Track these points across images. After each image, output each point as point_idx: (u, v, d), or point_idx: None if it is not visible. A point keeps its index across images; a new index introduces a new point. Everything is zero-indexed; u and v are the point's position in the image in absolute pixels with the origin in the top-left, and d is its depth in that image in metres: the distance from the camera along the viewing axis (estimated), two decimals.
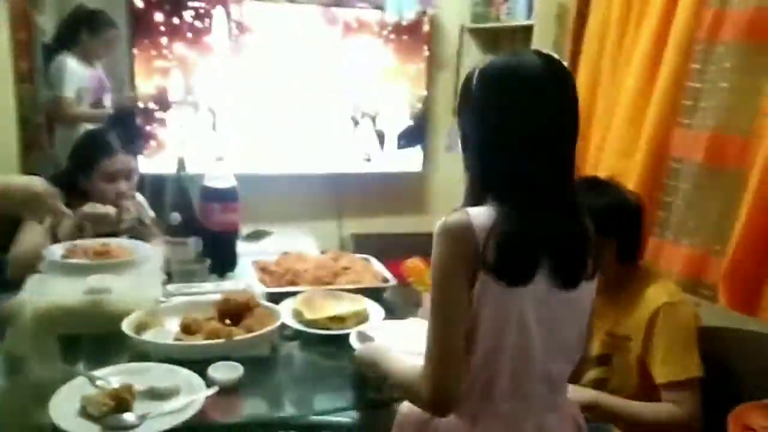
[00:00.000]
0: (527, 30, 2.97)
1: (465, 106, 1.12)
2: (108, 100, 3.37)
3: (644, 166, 2.30)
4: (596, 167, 2.52)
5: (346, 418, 1.31)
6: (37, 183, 1.46)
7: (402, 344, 1.31)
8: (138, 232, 2.22)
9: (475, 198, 1.10)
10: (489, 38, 3.44)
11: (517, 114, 1.05)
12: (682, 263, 2.17)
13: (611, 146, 2.47)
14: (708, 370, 1.49)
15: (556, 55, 1.11)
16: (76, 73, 3.12)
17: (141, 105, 3.06)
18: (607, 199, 1.55)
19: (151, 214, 2.28)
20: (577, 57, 2.75)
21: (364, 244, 3.09)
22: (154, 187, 3.05)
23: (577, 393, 1.37)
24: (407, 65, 3.35)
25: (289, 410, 1.32)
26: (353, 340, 1.47)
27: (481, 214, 1.04)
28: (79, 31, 3.12)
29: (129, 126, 2.69)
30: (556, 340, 1.10)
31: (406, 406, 1.18)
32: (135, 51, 3.01)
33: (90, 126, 3.10)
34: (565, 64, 2.68)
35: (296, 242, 3.01)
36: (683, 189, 2.19)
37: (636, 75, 2.37)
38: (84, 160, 2.05)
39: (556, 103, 1.06)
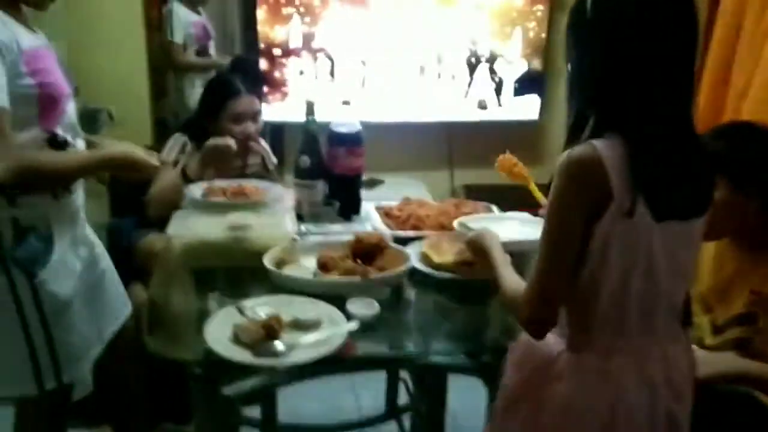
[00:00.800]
0: None
1: (578, 32, 1.09)
2: (212, 49, 3.46)
3: None
4: (737, 114, 2.35)
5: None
6: (134, 150, 1.51)
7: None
8: (262, 176, 2.31)
9: (590, 131, 1.06)
10: None
11: (639, 36, 1.01)
12: None
13: (755, 93, 2.28)
14: None
15: None
16: (182, 19, 3.22)
17: (262, 50, 3.12)
18: (753, 147, 1.44)
19: (274, 160, 2.36)
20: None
21: (476, 195, 3.05)
22: (275, 133, 3.16)
23: (722, 363, 1.33)
24: (527, 7, 3.21)
25: (411, 350, 1.37)
26: (456, 226, 1.64)
27: (609, 148, 1.01)
28: None
29: (251, 70, 2.76)
30: (677, 270, 1.10)
31: (523, 342, 1.19)
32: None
33: (199, 75, 3.22)
34: (705, 3, 2.50)
35: (408, 191, 3.02)
36: None
37: None
38: (212, 103, 2.14)
39: (677, 26, 1.02)
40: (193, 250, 1.55)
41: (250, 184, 1.85)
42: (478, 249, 1.36)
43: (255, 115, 2.17)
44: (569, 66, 1.12)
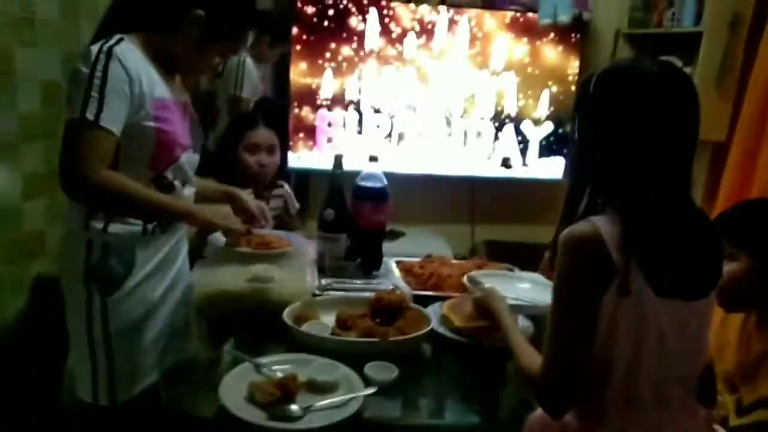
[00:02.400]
0: (692, 36, 2.79)
1: (582, 112, 1.13)
2: None
3: None
4: (765, 190, 2.32)
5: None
6: (218, 219, 1.62)
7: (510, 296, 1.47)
8: (284, 221, 2.33)
9: (586, 205, 1.09)
10: (647, 44, 3.26)
11: (638, 119, 1.04)
12: None
13: None
14: None
15: (675, 63, 1.07)
16: (253, 76, 3.20)
17: (293, 102, 3.17)
18: None
19: (297, 205, 2.38)
20: (750, 67, 2.54)
21: (496, 251, 3.04)
22: (301, 180, 3.19)
23: None
24: (558, 70, 3.24)
25: (425, 416, 1.34)
26: (465, 281, 1.65)
27: (607, 224, 1.03)
28: (261, 37, 3.20)
29: (273, 109, 2.81)
30: (688, 346, 1.11)
31: (539, 416, 1.17)
32: (291, 50, 3.12)
33: None
34: (736, 74, 2.51)
35: (429, 244, 3.02)
36: None
37: None
38: (231, 134, 2.23)
39: (675, 109, 1.05)
40: (213, 300, 1.55)
41: (274, 235, 1.86)
42: (484, 309, 1.41)
43: (270, 148, 2.24)
44: (572, 141, 1.17)
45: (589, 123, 1.12)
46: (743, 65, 2.59)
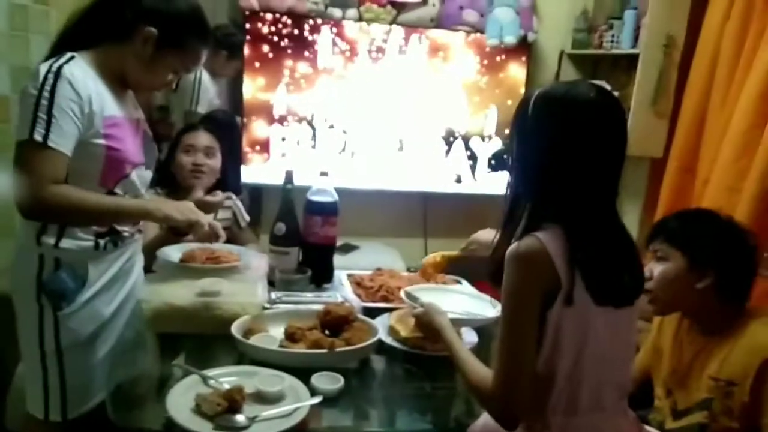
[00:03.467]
0: (630, 58, 2.92)
1: (520, 133, 1.18)
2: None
3: (754, 201, 2.21)
4: (701, 201, 2.44)
5: None
6: (172, 211, 1.57)
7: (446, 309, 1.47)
8: (233, 233, 2.34)
9: (526, 220, 1.14)
10: (589, 65, 3.41)
11: (573, 141, 1.10)
12: None
13: (718, 180, 2.38)
14: None
15: (607, 86, 1.21)
16: (210, 92, 3.18)
17: (244, 117, 3.19)
18: (710, 228, 1.52)
19: (247, 218, 2.39)
20: (683, 88, 2.68)
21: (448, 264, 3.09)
22: (254, 194, 3.20)
23: None
24: (503, 89, 3.35)
25: (375, 425, 1.35)
26: (402, 296, 1.66)
27: (551, 239, 1.09)
28: (217, 52, 3.13)
29: (219, 120, 2.79)
30: (620, 351, 1.19)
31: (481, 423, 1.22)
32: (244, 65, 3.14)
33: None
34: (671, 94, 2.64)
35: (382, 258, 3.07)
36: None
37: (746, 109, 2.28)
38: (174, 142, 2.23)
39: (607, 131, 1.12)
40: (162, 315, 1.55)
41: (224, 249, 1.87)
42: (426, 325, 1.44)
43: (208, 150, 2.22)
44: (510, 159, 1.20)
45: (527, 143, 1.16)
46: (677, 85, 2.73)
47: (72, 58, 1.44)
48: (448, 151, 3.40)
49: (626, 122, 1.18)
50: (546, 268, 1.07)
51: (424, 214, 3.52)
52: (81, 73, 1.44)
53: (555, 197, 1.13)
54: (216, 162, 2.23)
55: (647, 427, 1.38)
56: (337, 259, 2.06)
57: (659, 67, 2.72)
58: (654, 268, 1.53)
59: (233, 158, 2.53)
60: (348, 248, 3.11)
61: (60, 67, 1.40)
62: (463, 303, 1.74)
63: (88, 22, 1.51)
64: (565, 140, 1.11)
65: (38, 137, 1.36)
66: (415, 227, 3.54)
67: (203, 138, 2.22)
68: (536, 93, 1.16)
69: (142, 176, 1.60)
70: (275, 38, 3.10)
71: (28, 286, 1.49)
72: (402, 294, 1.70)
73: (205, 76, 3.13)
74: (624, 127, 1.16)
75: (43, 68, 1.41)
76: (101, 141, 1.46)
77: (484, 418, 1.21)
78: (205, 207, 1.75)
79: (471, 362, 1.21)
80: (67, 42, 1.50)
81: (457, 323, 1.47)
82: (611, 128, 1.13)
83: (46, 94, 1.38)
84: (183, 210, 1.57)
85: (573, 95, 1.13)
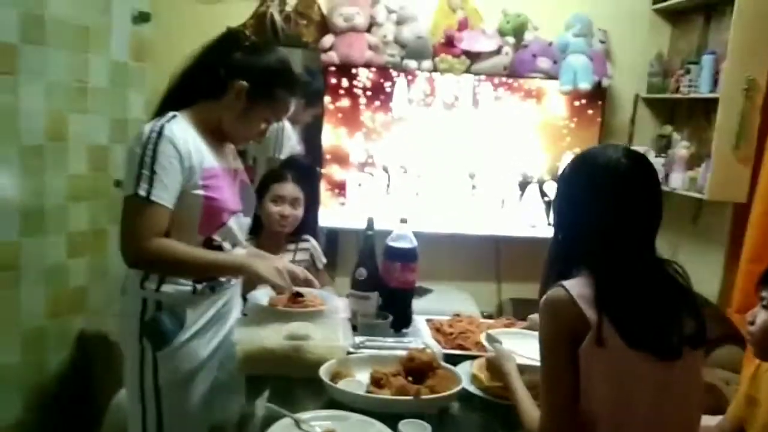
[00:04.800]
0: (708, 102, 2.88)
1: (560, 188, 1.29)
2: None
3: None
4: None
5: None
6: (265, 270, 1.62)
7: (522, 353, 1.54)
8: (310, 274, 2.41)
9: (563, 266, 1.22)
10: (665, 109, 3.37)
11: (605, 202, 1.19)
12: None
13: None
14: None
15: (641, 151, 1.30)
16: (291, 139, 3.30)
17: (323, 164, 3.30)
18: None
19: (324, 260, 2.47)
20: (766, 132, 2.62)
21: (521, 309, 3.07)
22: (331, 238, 3.29)
23: None
24: (579, 133, 3.34)
25: None
26: (483, 340, 1.69)
27: (578, 286, 1.16)
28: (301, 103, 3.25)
29: (302, 166, 2.89)
30: (683, 399, 1.20)
31: None
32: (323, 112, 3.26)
33: None
34: (754, 137, 2.58)
35: (455, 302, 3.07)
36: None
37: None
38: (260, 188, 2.33)
39: (639, 194, 1.20)
40: (253, 357, 1.61)
41: (308, 293, 1.93)
42: (495, 370, 1.50)
43: (294, 201, 2.34)
44: (553, 213, 1.31)
45: (563, 198, 1.27)
46: (760, 128, 2.67)
47: (173, 117, 1.56)
48: (521, 195, 3.40)
49: (655, 181, 1.24)
50: (572, 314, 1.14)
51: (498, 258, 3.52)
52: (181, 130, 1.54)
53: (585, 249, 1.21)
54: (300, 212, 2.36)
55: None
56: (413, 304, 2.09)
57: (740, 110, 2.66)
58: (758, 315, 1.50)
59: (312, 202, 2.65)
60: (422, 291, 3.14)
61: (162, 127, 1.52)
62: None
63: (187, 82, 1.64)
64: (590, 198, 1.21)
65: (142, 192, 1.47)
66: (488, 271, 3.54)
67: (291, 189, 2.34)
68: (577, 155, 1.28)
69: (240, 223, 1.69)
70: (354, 89, 3.22)
71: (132, 328, 1.59)
72: (482, 336, 1.72)
73: (287, 124, 3.25)
74: (651, 186, 1.23)
75: (147, 128, 1.53)
76: (200, 192, 1.56)
77: None
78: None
79: (527, 405, 1.28)
80: (169, 102, 1.62)
81: (527, 369, 1.47)
82: (642, 191, 1.20)
83: (149, 152, 1.49)
84: (272, 271, 1.62)
85: (597, 156, 1.23)
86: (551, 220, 1.30)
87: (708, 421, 1.71)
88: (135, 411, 1.62)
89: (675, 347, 1.18)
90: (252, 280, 1.95)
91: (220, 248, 1.64)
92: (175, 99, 1.63)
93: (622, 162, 1.19)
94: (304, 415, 1.34)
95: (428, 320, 2.05)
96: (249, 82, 1.58)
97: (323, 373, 1.51)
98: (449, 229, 3.37)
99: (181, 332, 1.60)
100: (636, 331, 1.14)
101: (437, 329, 1.97)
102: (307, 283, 1.72)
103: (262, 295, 1.87)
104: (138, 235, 1.49)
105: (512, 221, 3.42)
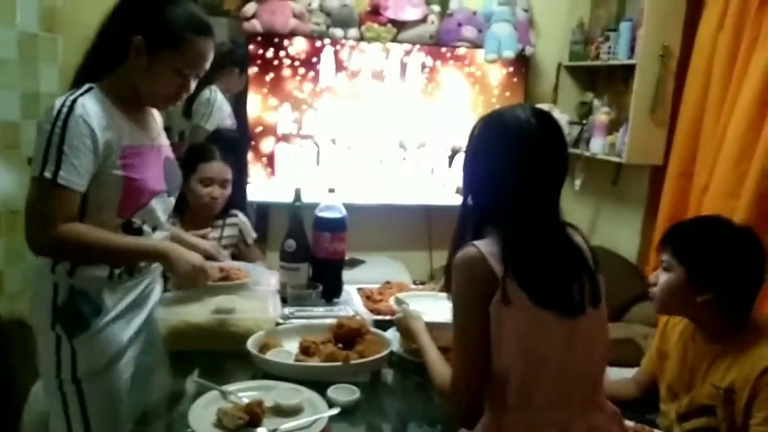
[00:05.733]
0: (627, 69, 2.97)
1: (467, 149, 1.29)
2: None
3: (751, 206, 2.25)
4: (700, 207, 2.48)
5: None
6: (183, 255, 1.55)
7: (430, 314, 1.57)
8: (240, 250, 2.39)
9: (473, 229, 1.25)
10: (586, 76, 3.46)
11: (508, 155, 1.21)
12: None
13: (717, 186, 2.42)
14: None
15: (546, 108, 1.32)
16: (223, 111, 3.17)
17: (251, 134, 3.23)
18: (715, 243, 1.53)
19: (254, 235, 2.44)
20: (680, 97, 2.73)
21: None
22: (261, 212, 3.25)
23: None
24: (503, 102, 3.39)
25: None
26: (392, 302, 1.73)
27: (488, 245, 1.18)
28: (231, 70, 3.19)
29: (229, 141, 2.81)
30: (587, 354, 1.23)
31: None
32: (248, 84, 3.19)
33: None
34: (668, 102, 2.68)
35: (388, 272, 3.09)
36: None
37: (742, 115, 2.33)
38: (186, 165, 2.20)
39: (546, 152, 1.22)
40: (179, 333, 1.59)
41: (233, 266, 1.91)
42: (404, 330, 1.53)
43: (223, 182, 2.29)
44: (462, 176, 1.31)
45: (471, 161, 1.28)
46: (674, 94, 2.78)
47: (89, 90, 1.44)
48: (450, 164, 3.44)
49: (562, 140, 1.26)
50: (484, 271, 1.16)
51: (429, 228, 3.56)
52: (95, 104, 1.42)
53: (494, 209, 1.23)
54: (228, 190, 2.32)
55: (627, 422, 1.42)
56: (344, 274, 2.10)
57: (656, 76, 2.76)
58: (660, 276, 1.56)
59: (239, 177, 2.59)
60: (354, 263, 3.14)
61: (74, 101, 1.39)
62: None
63: (97, 51, 1.51)
64: (500, 158, 1.22)
65: (48, 174, 1.35)
66: (420, 241, 3.58)
67: (219, 169, 2.28)
68: (484, 116, 1.28)
69: (165, 203, 1.60)
70: (280, 59, 3.16)
71: (45, 314, 1.49)
72: (391, 300, 1.74)
73: (219, 95, 3.14)
74: (559, 144, 1.25)
75: (58, 102, 1.40)
76: (119, 171, 1.45)
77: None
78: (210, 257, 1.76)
79: (437, 364, 1.31)
80: (84, 74, 1.50)
81: (432, 327, 1.49)
82: (544, 146, 1.22)
83: (58, 129, 1.36)
84: (189, 272, 1.53)
85: (505, 117, 1.24)
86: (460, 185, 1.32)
87: (625, 373, 1.80)
88: (56, 403, 1.52)
89: (578, 304, 1.21)
90: None
91: (139, 231, 1.53)
92: (89, 70, 1.50)
93: (531, 122, 1.21)
94: (231, 387, 1.33)
95: (359, 289, 2.06)
96: (143, 34, 1.44)
97: (251, 344, 1.50)
98: (381, 200, 3.39)
99: (99, 317, 1.50)
100: (540, 288, 1.17)
101: (368, 297, 1.99)
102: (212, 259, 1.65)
103: None
104: (43, 220, 1.37)
105: (443, 190, 3.46)
